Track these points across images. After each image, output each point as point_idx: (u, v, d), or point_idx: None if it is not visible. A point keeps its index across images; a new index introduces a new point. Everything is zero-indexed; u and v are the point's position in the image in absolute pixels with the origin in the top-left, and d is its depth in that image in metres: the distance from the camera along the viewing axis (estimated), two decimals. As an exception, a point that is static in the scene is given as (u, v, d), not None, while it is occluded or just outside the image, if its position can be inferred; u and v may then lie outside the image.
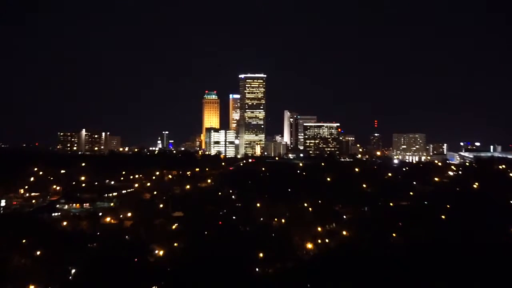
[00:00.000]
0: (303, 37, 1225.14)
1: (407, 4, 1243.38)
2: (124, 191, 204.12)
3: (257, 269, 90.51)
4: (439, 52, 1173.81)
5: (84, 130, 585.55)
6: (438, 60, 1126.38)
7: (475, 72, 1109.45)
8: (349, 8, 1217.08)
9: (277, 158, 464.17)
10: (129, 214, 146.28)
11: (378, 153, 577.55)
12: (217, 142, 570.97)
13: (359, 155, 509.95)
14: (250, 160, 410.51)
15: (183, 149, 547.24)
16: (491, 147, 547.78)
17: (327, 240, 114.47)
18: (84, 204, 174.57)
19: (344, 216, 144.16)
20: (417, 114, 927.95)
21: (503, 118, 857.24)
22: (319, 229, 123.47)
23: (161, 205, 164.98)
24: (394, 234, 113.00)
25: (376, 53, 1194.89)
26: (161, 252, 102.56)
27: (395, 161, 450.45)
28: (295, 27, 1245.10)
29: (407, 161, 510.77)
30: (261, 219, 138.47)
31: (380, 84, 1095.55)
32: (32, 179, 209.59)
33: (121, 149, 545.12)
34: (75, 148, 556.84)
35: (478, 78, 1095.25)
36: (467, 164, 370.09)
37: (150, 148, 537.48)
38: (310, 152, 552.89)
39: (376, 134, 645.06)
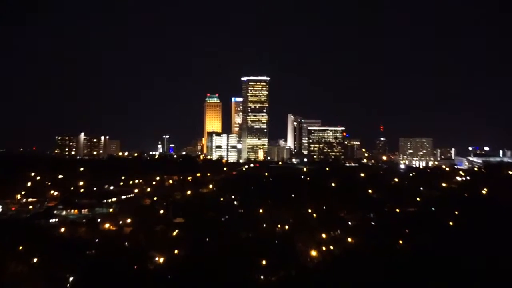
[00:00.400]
0: (303, 37, 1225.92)
1: (407, 4, 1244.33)
2: (123, 197, 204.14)
3: (260, 277, 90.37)
4: (439, 52, 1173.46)
5: (82, 134, 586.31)
6: (439, 60, 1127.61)
7: (475, 72, 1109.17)
8: (349, 8, 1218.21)
9: (280, 163, 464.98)
10: (129, 220, 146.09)
11: (384, 157, 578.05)
12: (219, 147, 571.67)
13: (365, 160, 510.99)
14: (254, 165, 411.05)
15: (184, 153, 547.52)
16: (501, 151, 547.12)
17: (331, 247, 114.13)
18: (83, 210, 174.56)
19: (349, 223, 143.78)
20: (420, 116, 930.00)
21: (503, 119, 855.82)
22: (324, 235, 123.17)
23: (162, 211, 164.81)
24: (400, 241, 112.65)
25: (379, 54, 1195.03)
26: (161, 259, 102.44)
27: (402, 166, 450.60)
28: (295, 27, 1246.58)
29: (414, 166, 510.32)
30: (264, 225, 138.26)
31: (384, 86, 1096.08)
32: (29, 184, 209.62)
33: (120, 153, 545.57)
34: (73, 152, 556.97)
35: (479, 78, 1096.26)
36: (476, 169, 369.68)
37: (150, 153, 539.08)
38: (314, 156, 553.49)
39: (382, 139, 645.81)
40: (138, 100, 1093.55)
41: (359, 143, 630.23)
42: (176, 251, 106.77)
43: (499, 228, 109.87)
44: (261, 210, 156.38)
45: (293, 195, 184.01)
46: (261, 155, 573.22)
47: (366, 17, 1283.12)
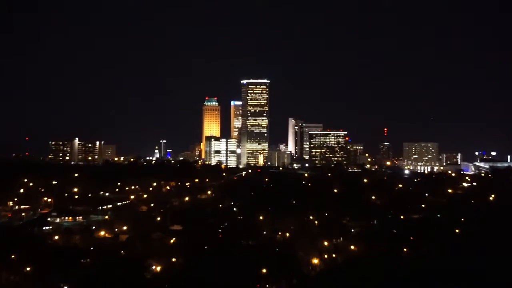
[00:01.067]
0: (304, 38, 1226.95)
1: (407, 5, 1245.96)
2: (119, 203, 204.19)
3: (260, 286, 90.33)
4: (442, 52, 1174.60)
5: (77, 139, 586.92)
6: (441, 60, 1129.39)
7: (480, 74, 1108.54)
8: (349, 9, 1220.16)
9: (281, 168, 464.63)
10: (125, 228, 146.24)
11: (388, 163, 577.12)
12: (217, 152, 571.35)
13: (368, 165, 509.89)
14: (255, 170, 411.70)
15: (181, 158, 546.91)
16: (508, 156, 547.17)
17: (334, 255, 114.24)
18: (77, 217, 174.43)
19: (352, 230, 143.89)
20: (426, 120, 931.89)
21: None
22: (326, 243, 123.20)
23: (159, 218, 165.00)
24: (405, 249, 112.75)
25: (379, 55, 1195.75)
26: (158, 268, 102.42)
27: (406, 171, 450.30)
28: (295, 27, 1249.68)
29: (418, 171, 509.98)
30: (264, 232, 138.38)
31: (388, 88, 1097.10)
32: (21, 190, 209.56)
33: (116, 158, 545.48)
34: (67, 157, 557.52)
35: (484, 80, 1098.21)
36: (483, 175, 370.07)
37: (147, 158, 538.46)
38: (316, 162, 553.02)
39: (386, 143, 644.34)
40: (135, 104, 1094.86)
41: (362, 147, 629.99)
42: (173, 260, 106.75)
43: (508, 236, 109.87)
44: (261, 217, 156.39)
45: (294, 202, 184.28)
46: (261, 160, 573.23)
47: (366, 18, 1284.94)
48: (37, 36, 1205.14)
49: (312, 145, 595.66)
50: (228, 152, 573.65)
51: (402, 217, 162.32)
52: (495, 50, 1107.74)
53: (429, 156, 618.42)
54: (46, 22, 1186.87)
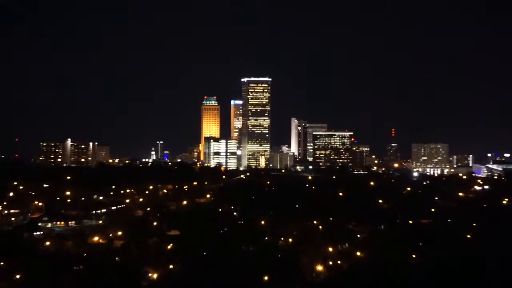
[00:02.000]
0: (304, 37, 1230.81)
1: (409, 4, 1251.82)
2: (114, 208, 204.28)
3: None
4: (448, 52, 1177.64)
5: (69, 140, 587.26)
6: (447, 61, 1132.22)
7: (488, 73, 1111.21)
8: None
9: (283, 171, 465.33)
10: (120, 233, 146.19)
11: (396, 165, 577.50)
12: (217, 153, 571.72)
13: (375, 167, 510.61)
14: (260, 173, 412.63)
15: (179, 160, 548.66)
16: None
17: (339, 262, 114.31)
18: (70, 222, 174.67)
19: (358, 235, 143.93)
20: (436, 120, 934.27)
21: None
22: (330, 249, 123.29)
23: (155, 223, 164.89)
24: (413, 256, 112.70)
25: (381, 54, 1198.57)
26: (155, 275, 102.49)
27: (415, 174, 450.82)
28: (296, 27, 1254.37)
29: (428, 174, 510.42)
30: (266, 238, 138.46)
31: (390, 90, 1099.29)
32: (11, 194, 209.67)
33: (110, 160, 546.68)
34: (59, 159, 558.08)
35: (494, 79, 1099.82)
36: (496, 177, 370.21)
37: (143, 160, 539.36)
38: (320, 164, 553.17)
39: (393, 144, 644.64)
40: (130, 104, 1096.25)
41: (368, 149, 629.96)
42: (171, 266, 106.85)
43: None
44: (262, 222, 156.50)
45: (297, 206, 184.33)
46: (262, 162, 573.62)
47: (367, 18, 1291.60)
48: (37, 36, 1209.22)
49: (316, 146, 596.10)
50: (228, 154, 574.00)
51: (410, 221, 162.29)
52: (495, 50, 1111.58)
53: (439, 157, 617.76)
54: (47, 22, 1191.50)
